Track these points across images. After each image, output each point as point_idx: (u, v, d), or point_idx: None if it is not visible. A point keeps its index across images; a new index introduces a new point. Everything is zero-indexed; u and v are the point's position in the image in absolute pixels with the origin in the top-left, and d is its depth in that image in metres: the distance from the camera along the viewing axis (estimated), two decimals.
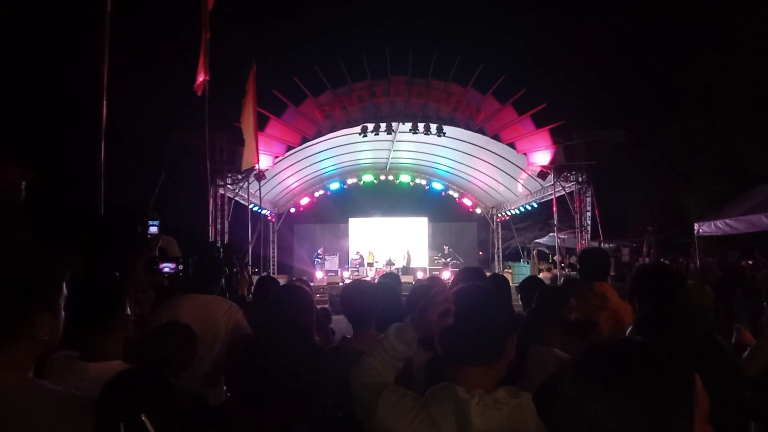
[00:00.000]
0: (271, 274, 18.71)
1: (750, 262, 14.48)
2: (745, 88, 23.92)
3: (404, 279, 15.03)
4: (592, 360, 1.09)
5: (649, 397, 1.00)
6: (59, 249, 1.56)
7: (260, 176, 14.78)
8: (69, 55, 19.47)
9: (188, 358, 2.71)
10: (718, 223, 11.55)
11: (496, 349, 1.62)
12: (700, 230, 12.00)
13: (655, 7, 29.59)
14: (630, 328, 2.22)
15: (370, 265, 21.93)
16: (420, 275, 18.35)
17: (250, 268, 15.35)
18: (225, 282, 4.83)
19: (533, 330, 2.82)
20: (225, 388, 3.60)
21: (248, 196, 15.39)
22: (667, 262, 14.61)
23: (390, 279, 4.68)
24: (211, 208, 14.68)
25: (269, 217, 21.55)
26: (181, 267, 2.77)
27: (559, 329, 2.82)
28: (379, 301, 3.00)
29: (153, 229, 3.21)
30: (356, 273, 21.27)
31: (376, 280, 17.56)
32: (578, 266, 4.32)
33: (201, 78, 9.23)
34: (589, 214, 16.25)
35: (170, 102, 20.01)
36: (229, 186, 15.34)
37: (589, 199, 16.11)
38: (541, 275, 16.85)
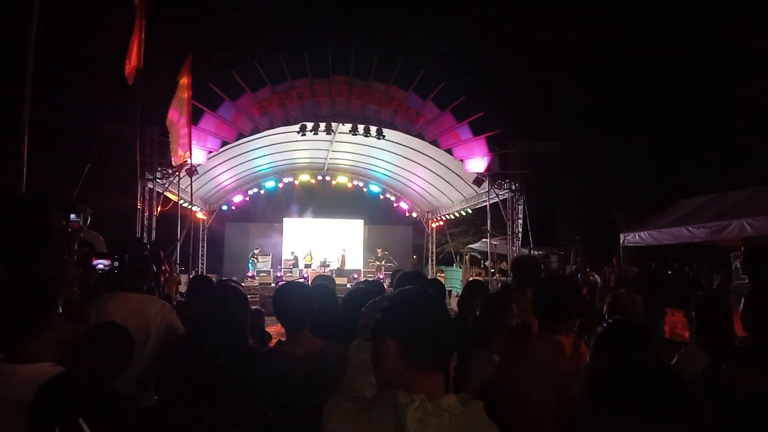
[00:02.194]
0: (201, 273, 18.20)
1: (669, 272, 15.25)
2: (675, 105, 25.19)
3: (339, 281, 14.96)
4: (625, 384, 1.06)
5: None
6: None
7: (192, 171, 14.33)
8: None
9: (125, 361, 2.58)
10: (643, 234, 12.08)
11: (451, 352, 1.61)
12: (626, 241, 12.52)
13: (592, 21, 30.75)
14: (593, 340, 2.25)
15: (308, 266, 21.69)
16: (356, 277, 18.30)
17: (177, 266, 14.86)
18: (153, 281, 4.65)
19: (478, 336, 2.84)
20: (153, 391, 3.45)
21: (179, 191, 14.89)
22: (589, 269, 15.20)
23: (325, 281, 4.61)
24: (138, 202, 14.13)
25: (199, 214, 20.95)
26: (116, 264, 2.64)
27: (502, 335, 2.86)
28: (314, 304, 2.93)
29: (74, 219, 3.03)
30: (289, 274, 20.99)
31: (310, 282, 17.51)
32: (511, 273, 4.46)
33: (134, 65, 8.88)
34: (521, 221, 16.68)
35: (100, 91, 19.14)
36: (158, 180, 14.76)
37: (521, 207, 16.55)
38: (471, 280, 17.17)
